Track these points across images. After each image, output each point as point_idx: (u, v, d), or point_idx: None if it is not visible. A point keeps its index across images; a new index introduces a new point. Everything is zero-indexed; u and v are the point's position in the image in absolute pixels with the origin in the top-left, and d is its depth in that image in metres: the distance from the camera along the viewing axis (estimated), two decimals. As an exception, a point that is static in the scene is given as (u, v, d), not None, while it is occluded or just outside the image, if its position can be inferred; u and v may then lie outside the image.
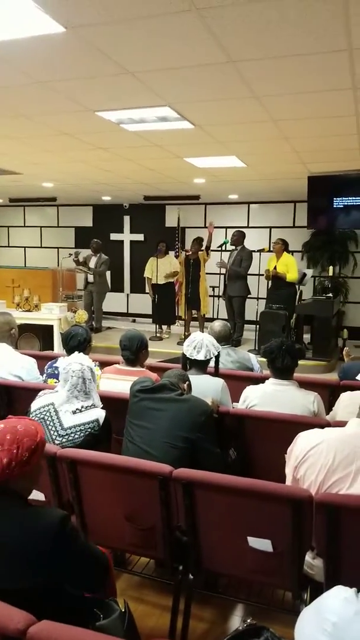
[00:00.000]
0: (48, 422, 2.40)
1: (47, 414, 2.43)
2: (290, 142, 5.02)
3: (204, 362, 3.00)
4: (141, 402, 2.48)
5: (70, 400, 2.44)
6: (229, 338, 3.91)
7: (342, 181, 6.58)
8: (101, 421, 2.42)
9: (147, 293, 9.00)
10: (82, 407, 2.43)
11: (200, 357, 2.97)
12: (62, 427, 2.38)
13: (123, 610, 1.60)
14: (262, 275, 7.70)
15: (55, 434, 2.37)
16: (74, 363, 2.51)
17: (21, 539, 1.44)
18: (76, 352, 2.78)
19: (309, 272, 8.10)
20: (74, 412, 2.41)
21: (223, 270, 8.11)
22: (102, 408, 2.51)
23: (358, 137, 4.81)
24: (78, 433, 2.37)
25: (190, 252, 8.12)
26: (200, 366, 3.01)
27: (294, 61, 3.01)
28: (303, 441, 2.01)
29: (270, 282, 7.60)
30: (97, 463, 2.16)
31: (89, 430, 2.39)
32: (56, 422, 2.39)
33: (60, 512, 1.52)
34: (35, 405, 2.53)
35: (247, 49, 2.86)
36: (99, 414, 2.45)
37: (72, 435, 2.37)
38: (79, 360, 2.54)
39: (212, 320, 4.94)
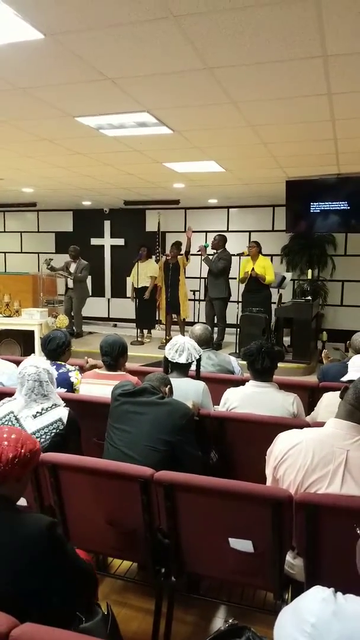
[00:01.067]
0: None
1: (9, 423, 2.34)
2: (268, 147, 5.09)
3: (186, 365, 3.02)
4: (122, 405, 2.48)
5: (28, 404, 2.37)
6: (210, 341, 3.94)
7: (319, 186, 6.68)
8: (65, 419, 2.35)
9: (129, 298, 8.99)
10: (42, 409, 2.36)
11: (182, 360, 2.98)
12: None
13: (106, 613, 1.60)
14: (239, 277, 7.71)
15: None
16: (29, 366, 2.42)
17: (10, 543, 1.44)
18: (32, 356, 2.70)
19: (288, 276, 8.18)
20: (35, 416, 2.34)
21: (204, 257, 7.98)
22: (65, 406, 2.44)
23: (334, 142, 4.90)
24: (43, 436, 2.31)
25: (170, 257, 8.14)
26: (182, 369, 3.03)
27: (270, 67, 3.07)
28: (282, 442, 2.04)
29: (244, 285, 7.63)
30: (79, 467, 2.15)
31: (54, 431, 2.33)
32: None
33: (47, 518, 1.51)
34: None
35: (223, 56, 2.90)
36: (62, 412, 2.38)
37: (38, 440, 2.24)
38: (34, 363, 2.44)
39: (192, 324, 4.96)
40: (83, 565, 1.63)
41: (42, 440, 2.30)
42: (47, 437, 2.31)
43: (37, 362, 2.47)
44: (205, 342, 3.79)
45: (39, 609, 1.42)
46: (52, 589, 1.45)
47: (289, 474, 1.95)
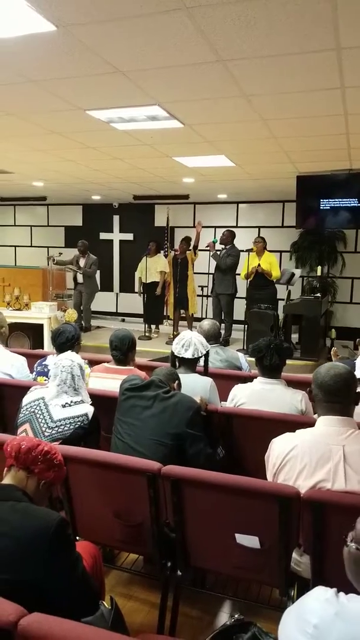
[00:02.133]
0: (38, 415, 2.44)
1: (37, 407, 2.48)
2: (279, 141, 5.06)
3: (193, 360, 3.02)
4: (129, 399, 2.49)
5: (59, 395, 2.50)
6: (218, 337, 3.93)
7: (330, 181, 6.63)
8: (90, 416, 2.47)
9: (137, 292, 8.99)
10: (71, 401, 2.49)
11: (188, 355, 2.98)
12: (51, 420, 2.43)
13: (110, 607, 1.60)
14: (243, 273, 7.68)
15: (45, 426, 2.41)
16: (64, 359, 2.58)
17: (19, 533, 1.45)
18: (69, 351, 2.82)
19: (298, 272, 8.14)
20: (64, 406, 2.47)
21: (212, 253, 7.99)
22: (91, 404, 2.55)
23: (346, 137, 4.86)
24: (68, 425, 2.42)
25: (178, 252, 8.13)
26: (189, 365, 3.02)
27: (283, 60, 3.04)
28: (277, 447, 2.04)
29: (248, 281, 7.60)
30: (87, 459, 2.16)
31: (79, 423, 2.44)
32: (46, 415, 2.44)
33: (59, 516, 1.51)
34: (26, 399, 2.57)
35: (236, 48, 2.87)
36: (88, 409, 2.50)
37: (62, 427, 2.41)
38: (69, 357, 2.60)
39: (200, 319, 4.95)
40: (86, 578, 1.56)
41: (66, 429, 2.41)
42: (71, 427, 2.42)
43: (73, 356, 2.63)
44: (214, 338, 3.78)
45: (40, 602, 1.41)
46: (49, 587, 1.43)
47: (289, 479, 1.96)
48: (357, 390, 2.08)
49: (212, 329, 3.80)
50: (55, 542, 1.44)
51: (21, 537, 1.44)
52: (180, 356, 2.99)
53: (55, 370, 2.56)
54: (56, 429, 2.40)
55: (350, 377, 2.05)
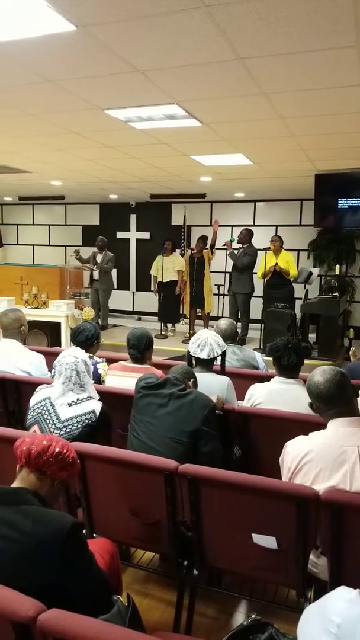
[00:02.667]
0: (45, 416, 2.42)
1: (44, 408, 2.45)
2: (297, 139, 5.02)
3: (208, 360, 3.01)
4: (145, 397, 2.49)
5: (65, 393, 2.47)
6: (235, 336, 3.92)
7: (350, 179, 6.55)
8: (97, 412, 2.43)
9: (152, 291, 9.02)
10: (77, 399, 2.45)
11: (204, 355, 2.97)
12: (59, 420, 2.40)
13: (127, 604, 1.61)
14: (260, 272, 7.65)
15: (53, 427, 2.39)
16: (68, 356, 2.53)
17: (31, 536, 1.44)
18: (73, 347, 2.78)
19: (315, 271, 8.08)
20: (70, 405, 2.43)
21: (229, 252, 7.98)
22: (99, 400, 2.52)
23: (366, 135, 4.80)
24: (75, 425, 2.39)
25: (195, 251, 8.12)
26: (205, 364, 3.02)
27: (302, 58, 3.01)
28: (291, 451, 2.03)
29: (265, 280, 7.56)
30: (105, 457, 2.17)
31: (86, 421, 2.40)
32: (53, 415, 2.42)
33: (72, 519, 1.50)
34: (33, 400, 2.54)
35: (255, 46, 2.86)
36: (95, 405, 2.46)
37: (70, 427, 2.39)
38: (73, 353, 2.55)
39: (216, 318, 4.94)
40: (100, 575, 1.58)
41: (74, 428, 2.39)
42: (79, 425, 2.40)
43: (76, 352, 2.58)
44: (230, 337, 3.77)
45: (56, 602, 1.42)
46: (64, 588, 1.44)
47: (305, 482, 1.94)
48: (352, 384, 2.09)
49: (229, 328, 3.79)
50: (68, 547, 1.43)
51: (32, 543, 1.43)
52: (196, 356, 2.99)
53: (59, 368, 2.51)
54: (64, 429, 2.38)
55: (341, 378, 2.06)
